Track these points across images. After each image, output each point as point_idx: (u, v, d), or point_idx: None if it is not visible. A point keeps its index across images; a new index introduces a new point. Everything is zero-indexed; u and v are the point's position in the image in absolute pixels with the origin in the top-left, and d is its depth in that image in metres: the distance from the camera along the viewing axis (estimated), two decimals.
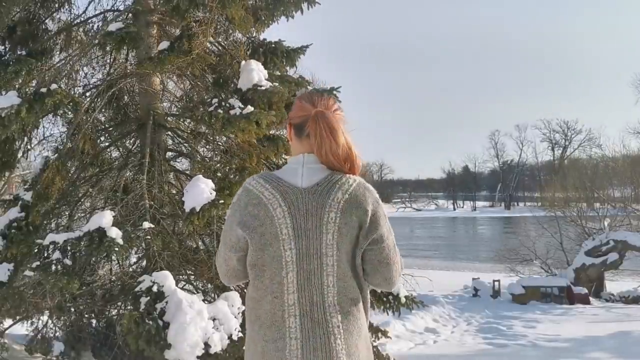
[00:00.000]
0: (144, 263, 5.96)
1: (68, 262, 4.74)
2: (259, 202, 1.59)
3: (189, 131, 6.66)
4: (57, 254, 4.74)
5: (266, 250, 1.59)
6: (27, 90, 5.61)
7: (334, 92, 5.96)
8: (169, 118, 6.56)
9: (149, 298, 4.61)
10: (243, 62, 5.68)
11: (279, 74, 6.12)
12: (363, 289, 1.67)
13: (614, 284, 18.86)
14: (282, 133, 6.08)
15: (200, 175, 5.14)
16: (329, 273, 1.58)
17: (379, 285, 1.68)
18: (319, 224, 1.57)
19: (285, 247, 1.57)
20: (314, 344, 1.54)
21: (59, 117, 6.08)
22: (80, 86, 6.66)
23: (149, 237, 5.06)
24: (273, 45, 6.42)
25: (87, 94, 6.29)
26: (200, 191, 4.89)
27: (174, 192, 6.28)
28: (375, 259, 1.64)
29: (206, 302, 5.16)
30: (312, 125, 1.63)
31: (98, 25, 6.59)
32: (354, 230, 1.59)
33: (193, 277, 6.16)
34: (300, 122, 1.68)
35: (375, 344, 6.29)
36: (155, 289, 4.65)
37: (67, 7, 6.75)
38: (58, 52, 6.66)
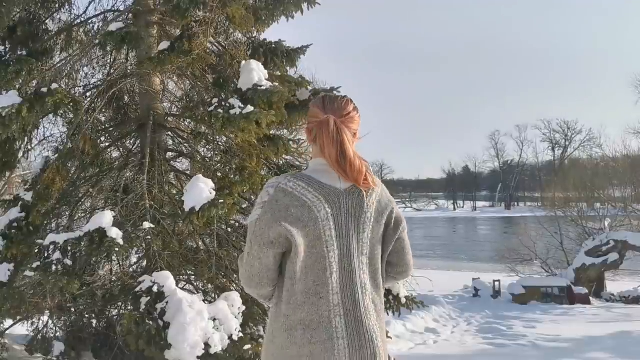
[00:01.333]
0: (145, 263, 5.96)
1: (68, 262, 4.75)
2: (302, 205, 1.59)
3: (189, 131, 6.66)
4: (57, 254, 4.75)
5: (309, 253, 1.60)
6: (27, 90, 5.62)
7: (334, 91, 5.96)
8: (169, 118, 6.57)
9: (149, 298, 4.62)
10: (243, 62, 5.67)
11: (279, 74, 6.11)
12: (382, 289, 1.74)
13: (615, 284, 18.87)
14: (282, 133, 6.08)
15: (200, 175, 5.14)
16: (364, 271, 1.64)
17: (401, 274, 1.80)
18: (357, 224, 1.64)
19: (328, 248, 1.60)
20: (360, 343, 1.58)
21: (59, 117, 6.09)
22: (80, 86, 6.67)
23: (149, 237, 5.07)
24: (273, 46, 6.42)
25: (88, 94, 6.30)
26: (200, 191, 4.89)
27: (174, 192, 6.27)
28: (400, 247, 1.75)
29: (206, 302, 5.16)
30: (318, 132, 1.66)
31: (98, 26, 6.59)
32: (382, 228, 1.69)
33: (193, 277, 6.17)
34: (312, 129, 1.71)
35: None
36: (155, 289, 4.66)
37: (67, 7, 6.75)
38: (58, 52, 6.67)
